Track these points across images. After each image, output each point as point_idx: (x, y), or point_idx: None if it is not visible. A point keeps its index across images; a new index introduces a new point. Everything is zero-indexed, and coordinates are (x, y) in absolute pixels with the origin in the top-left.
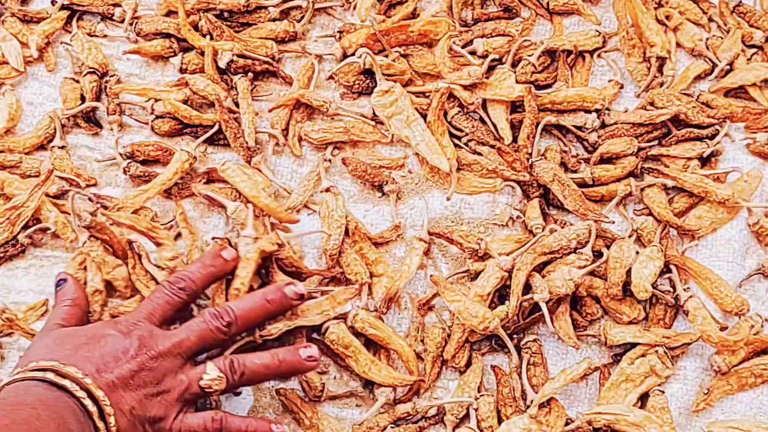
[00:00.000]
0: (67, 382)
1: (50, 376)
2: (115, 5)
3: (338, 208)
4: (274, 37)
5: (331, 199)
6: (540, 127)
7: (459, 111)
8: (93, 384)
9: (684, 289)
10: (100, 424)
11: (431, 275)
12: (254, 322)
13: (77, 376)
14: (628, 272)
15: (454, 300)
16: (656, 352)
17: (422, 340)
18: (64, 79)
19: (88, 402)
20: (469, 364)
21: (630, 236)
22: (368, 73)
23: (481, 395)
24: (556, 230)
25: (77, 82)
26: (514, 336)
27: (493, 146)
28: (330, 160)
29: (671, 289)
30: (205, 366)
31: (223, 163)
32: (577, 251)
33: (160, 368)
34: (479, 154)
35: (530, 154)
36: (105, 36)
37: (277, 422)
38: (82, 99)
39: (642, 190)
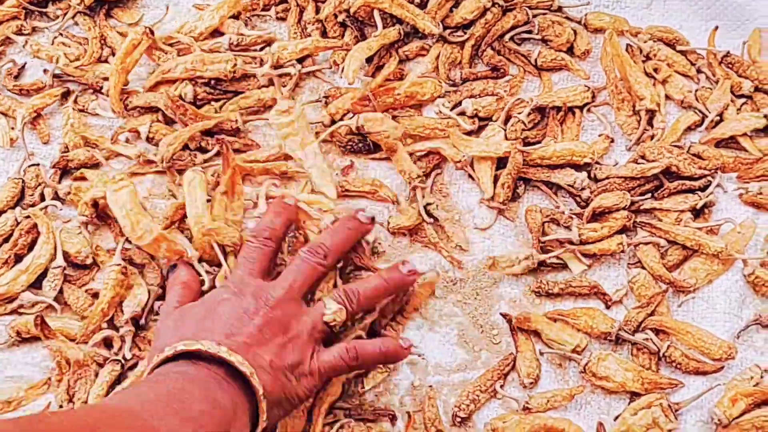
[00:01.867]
0: (204, 353)
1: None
2: (105, 79)
3: None
4: (263, 105)
5: None
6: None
7: None
8: (227, 350)
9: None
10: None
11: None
12: (346, 249)
13: (210, 347)
14: None
15: None
16: (660, 404)
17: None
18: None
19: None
20: None
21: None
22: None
23: None
24: None
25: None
26: None
27: None
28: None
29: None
30: (323, 303)
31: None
32: None
33: (282, 316)
34: None
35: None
36: (96, 114)
37: (402, 337)
38: None
39: (635, 246)
